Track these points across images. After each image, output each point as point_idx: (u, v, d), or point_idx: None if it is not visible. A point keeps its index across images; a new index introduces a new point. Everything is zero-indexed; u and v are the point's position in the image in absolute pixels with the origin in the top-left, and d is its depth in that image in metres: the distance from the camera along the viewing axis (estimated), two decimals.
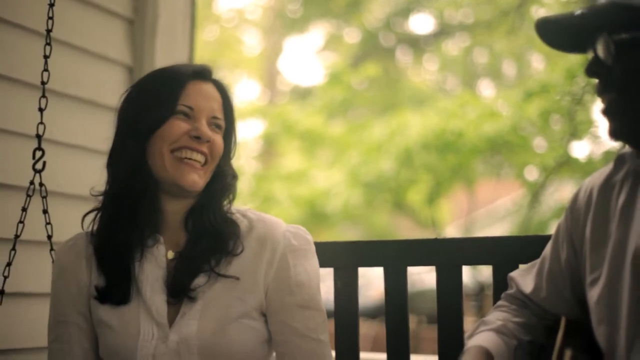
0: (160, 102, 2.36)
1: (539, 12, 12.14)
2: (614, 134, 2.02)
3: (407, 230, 14.41)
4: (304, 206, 11.94)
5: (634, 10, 1.94)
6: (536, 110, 10.52)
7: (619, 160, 2.14)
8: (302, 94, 16.82)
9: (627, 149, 2.11)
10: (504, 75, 16.91)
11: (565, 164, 10.80)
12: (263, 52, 19.04)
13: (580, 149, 11.57)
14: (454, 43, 16.70)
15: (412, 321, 10.14)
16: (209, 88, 2.43)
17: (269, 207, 11.70)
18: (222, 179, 2.46)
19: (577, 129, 10.55)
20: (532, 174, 11.94)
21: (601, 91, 2.02)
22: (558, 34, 2.08)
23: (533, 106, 10.52)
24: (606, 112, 2.02)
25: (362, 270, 2.88)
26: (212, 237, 2.40)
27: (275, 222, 2.46)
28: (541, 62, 14.40)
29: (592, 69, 2.03)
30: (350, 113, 14.17)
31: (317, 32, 18.60)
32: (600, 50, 1.99)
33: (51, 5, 2.95)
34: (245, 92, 17.66)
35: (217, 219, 2.42)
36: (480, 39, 15.64)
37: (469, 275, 10.40)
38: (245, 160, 12.96)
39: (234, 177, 2.50)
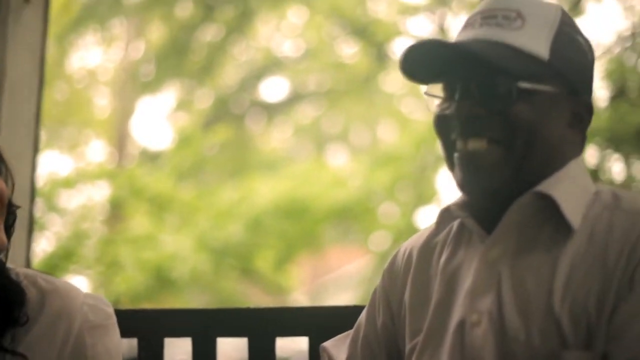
0: None
1: (386, 79, 12.48)
2: (470, 185, 1.88)
3: (255, 297, 14.35)
4: (150, 271, 11.73)
5: (537, 61, 1.83)
6: (385, 178, 10.72)
7: (444, 214, 1.98)
8: (151, 157, 16.65)
9: (455, 202, 1.97)
10: (355, 143, 17.14)
11: (412, 231, 10.99)
12: (113, 113, 18.83)
13: (426, 216, 11.80)
14: (306, 110, 16.87)
15: None
16: None
17: (113, 272, 11.44)
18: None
19: (423, 196, 10.81)
20: (378, 241, 12.11)
21: (470, 134, 1.85)
22: (431, 58, 1.88)
23: (382, 174, 10.72)
24: (468, 158, 1.86)
25: None
26: None
27: (70, 293, 2.06)
28: (392, 130, 14.69)
29: (469, 106, 1.85)
30: (200, 177, 14.10)
31: (170, 94, 18.51)
32: (485, 91, 1.84)
33: None
34: (93, 153, 17.39)
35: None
36: (332, 106, 15.85)
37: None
38: (90, 223, 12.63)
39: (14, 219, 2.07)
